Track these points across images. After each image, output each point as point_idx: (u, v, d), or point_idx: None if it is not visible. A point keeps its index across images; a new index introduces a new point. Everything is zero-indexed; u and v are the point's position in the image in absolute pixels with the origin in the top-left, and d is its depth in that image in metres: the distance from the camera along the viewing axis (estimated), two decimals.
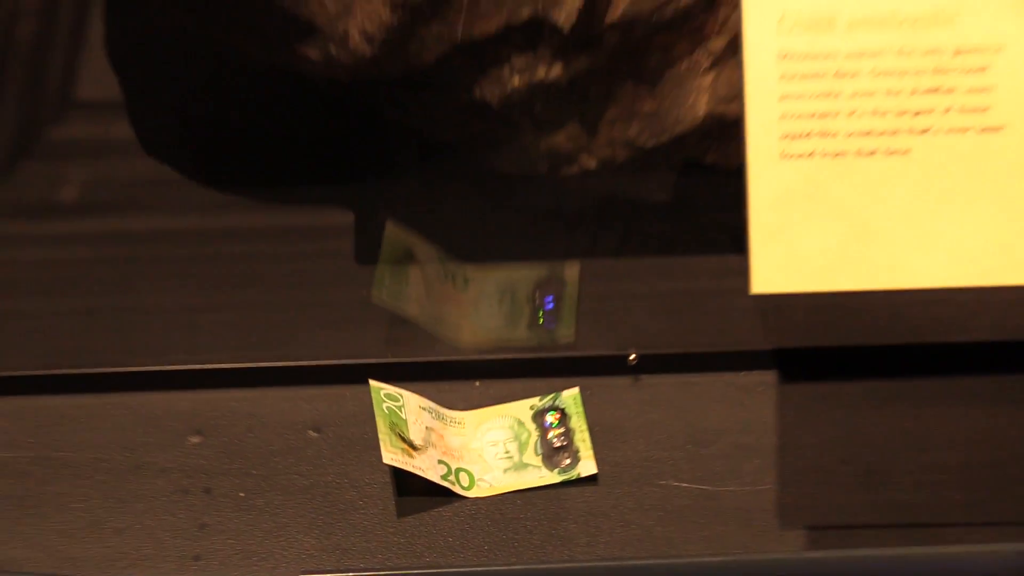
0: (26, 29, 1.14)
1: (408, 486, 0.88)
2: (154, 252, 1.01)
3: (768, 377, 0.96)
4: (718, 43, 0.91)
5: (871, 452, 0.92)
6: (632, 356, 0.95)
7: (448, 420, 0.91)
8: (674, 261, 0.99)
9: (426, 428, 0.90)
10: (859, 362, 0.97)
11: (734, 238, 0.81)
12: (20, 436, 0.92)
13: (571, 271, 0.99)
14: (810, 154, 0.81)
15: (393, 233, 1.00)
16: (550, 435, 0.91)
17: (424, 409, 0.91)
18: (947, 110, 0.80)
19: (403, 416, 0.89)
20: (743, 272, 0.81)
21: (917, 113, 0.80)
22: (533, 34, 0.91)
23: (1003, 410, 0.94)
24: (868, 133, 0.81)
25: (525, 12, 0.89)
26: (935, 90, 0.80)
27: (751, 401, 0.94)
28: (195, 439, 0.92)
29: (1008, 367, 0.96)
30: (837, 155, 0.81)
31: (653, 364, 0.95)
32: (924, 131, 0.80)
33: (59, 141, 1.07)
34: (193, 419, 0.93)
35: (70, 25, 1.14)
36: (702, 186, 0.95)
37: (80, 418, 0.93)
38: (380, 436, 0.88)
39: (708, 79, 0.93)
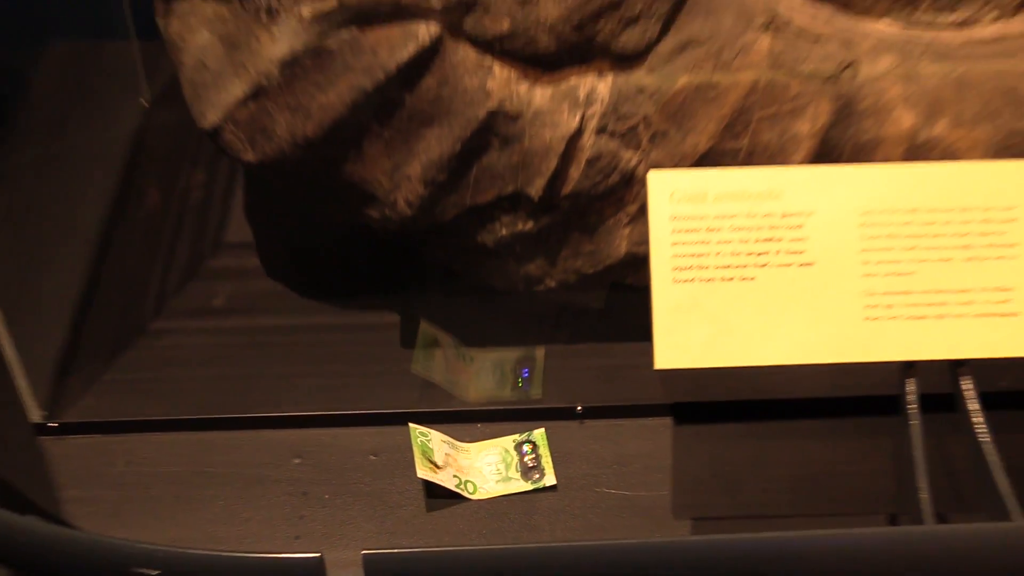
0: (196, 196, 1.14)
1: (434, 491, 0.88)
2: (271, 338, 1.00)
3: (667, 421, 0.94)
4: (633, 208, 0.90)
5: (735, 470, 0.91)
6: (579, 407, 0.94)
7: (459, 449, 0.91)
8: (606, 346, 0.98)
9: (445, 454, 0.90)
10: (727, 411, 0.95)
11: (645, 333, 0.79)
12: (184, 457, 0.91)
13: (539, 352, 0.98)
14: (691, 279, 0.80)
15: (425, 327, 0.99)
16: (525, 459, 0.91)
17: (444, 441, 0.91)
18: (778, 252, 0.80)
19: (431, 446, 0.89)
20: (650, 354, 0.80)
21: (760, 254, 0.79)
22: (515, 202, 0.90)
23: (823, 443, 0.92)
24: (728, 266, 0.80)
25: (509, 188, 0.89)
26: (770, 239, 0.79)
27: (656, 437, 0.93)
28: (297, 460, 0.91)
29: (827, 414, 0.94)
30: (709, 280, 0.80)
31: (592, 413, 0.94)
32: (764, 265, 0.79)
33: (214, 268, 1.06)
34: (295, 447, 0.92)
35: (222, 191, 1.14)
36: (624, 299, 0.92)
37: (222, 446, 0.92)
38: (416, 459, 0.88)
39: (627, 231, 0.91)
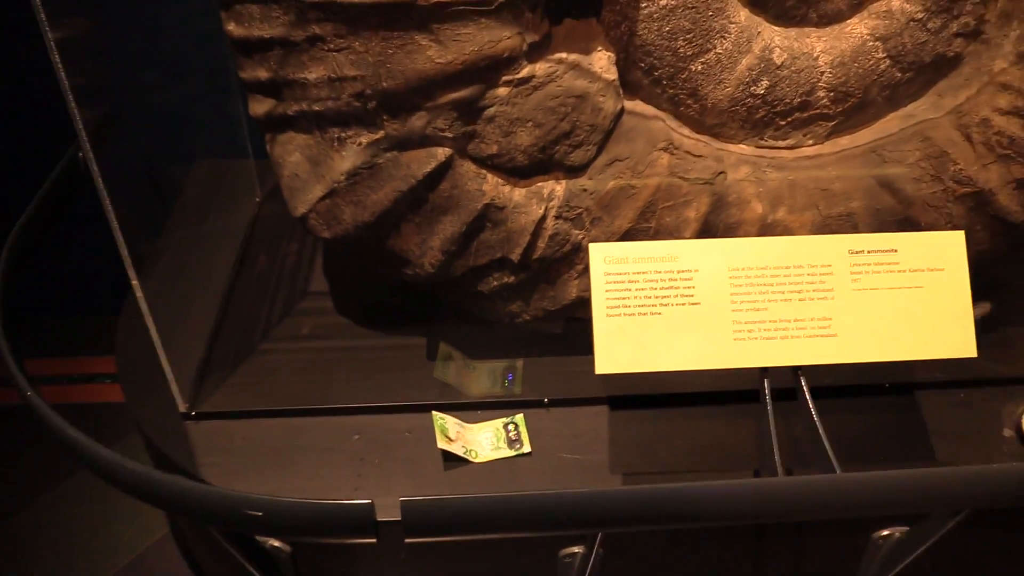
0: (291, 260, 1.09)
1: (449, 457, 0.84)
2: (341, 355, 0.96)
3: (604, 408, 0.90)
4: (580, 267, 0.85)
5: (651, 441, 0.87)
6: (546, 399, 0.90)
7: (466, 428, 0.86)
8: (564, 358, 0.93)
9: (456, 432, 0.85)
10: (646, 401, 0.91)
11: (589, 349, 0.76)
12: (280, 435, 0.87)
13: (519, 362, 0.94)
14: (619, 315, 0.75)
15: (443, 346, 0.95)
16: (510, 434, 0.86)
17: (456, 423, 0.87)
18: (675, 296, 0.75)
19: (447, 426, 0.85)
20: (593, 364, 0.75)
21: (663, 297, 0.75)
22: (502, 264, 0.85)
23: (711, 422, 0.88)
24: (642, 306, 0.75)
25: (498, 255, 0.83)
26: (670, 288, 0.75)
27: (598, 419, 0.89)
28: (356, 437, 0.87)
29: (713, 403, 0.90)
30: (630, 315, 0.75)
31: (555, 403, 0.90)
32: (666, 305, 0.74)
33: (302, 308, 1.02)
34: (356, 428, 0.87)
35: (308, 257, 1.10)
36: (577, 328, 0.87)
37: (306, 428, 0.87)
38: (437, 435, 0.84)
39: (576, 282, 0.86)
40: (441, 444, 0.83)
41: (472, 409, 0.89)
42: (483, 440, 0.86)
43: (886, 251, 0.75)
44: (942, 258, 0.74)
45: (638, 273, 0.75)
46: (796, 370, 0.75)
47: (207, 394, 0.90)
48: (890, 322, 0.74)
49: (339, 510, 0.64)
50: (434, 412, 0.86)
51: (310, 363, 0.94)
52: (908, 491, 0.66)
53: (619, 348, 0.74)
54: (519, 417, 0.88)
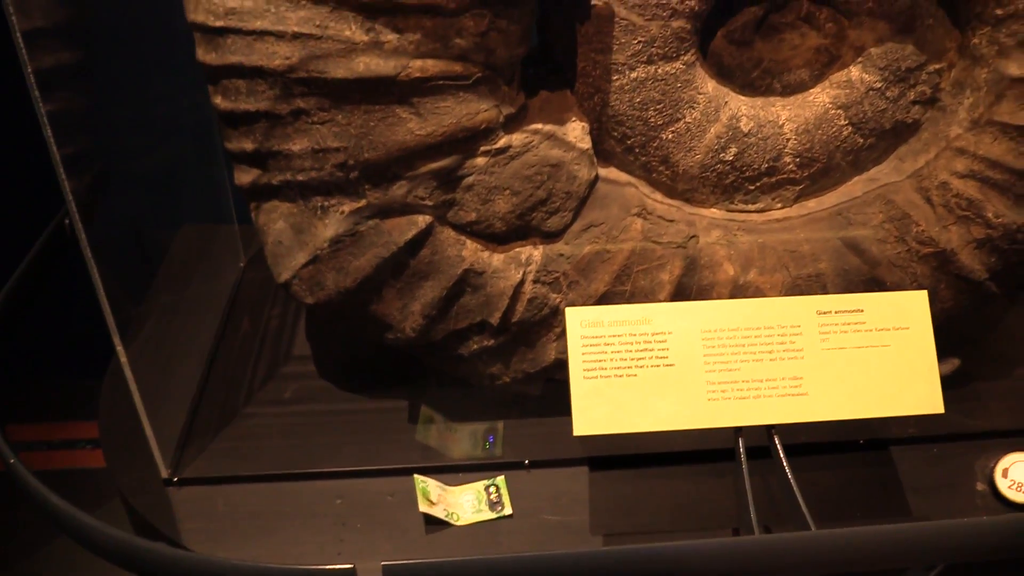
0: (274, 325, 1.10)
1: (431, 520, 0.84)
2: (324, 419, 0.96)
3: (584, 469, 0.90)
4: (558, 330, 0.86)
5: (631, 501, 0.87)
6: (526, 461, 0.90)
7: (448, 491, 0.87)
8: (543, 419, 0.94)
9: (438, 494, 0.86)
10: (625, 461, 0.91)
11: (567, 410, 0.77)
12: (263, 500, 0.87)
13: (500, 424, 0.94)
14: (595, 377, 0.76)
15: (424, 409, 0.96)
16: (491, 496, 0.87)
17: (437, 486, 0.87)
18: (650, 358, 0.76)
19: (428, 490, 0.85)
20: (571, 425, 0.76)
21: (638, 359, 0.76)
22: (481, 327, 0.86)
23: (688, 482, 0.89)
24: (619, 368, 0.76)
25: (478, 318, 0.85)
26: (644, 350, 0.76)
27: (578, 480, 0.89)
28: (339, 501, 0.87)
29: (690, 462, 0.90)
30: (607, 377, 0.76)
31: (536, 464, 0.90)
32: (641, 367, 0.76)
33: (285, 372, 1.02)
34: (338, 492, 0.88)
35: (291, 322, 1.10)
36: (556, 389, 0.87)
37: (289, 492, 0.88)
38: (418, 499, 0.84)
39: (555, 344, 0.87)
40: (423, 507, 0.83)
41: (454, 472, 0.90)
42: (464, 503, 0.86)
43: (853, 311, 0.77)
44: (907, 317, 0.77)
45: (613, 336, 0.76)
46: (770, 429, 0.77)
47: (189, 459, 0.90)
48: (858, 380, 0.76)
49: None
50: (416, 475, 0.86)
51: (293, 427, 0.94)
52: (882, 546, 0.67)
53: (596, 410, 0.75)
54: (500, 479, 0.88)
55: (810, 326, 0.77)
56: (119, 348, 0.81)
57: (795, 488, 0.72)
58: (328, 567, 0.65)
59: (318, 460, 0.90)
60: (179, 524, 0.84)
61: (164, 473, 0.88)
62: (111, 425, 0.94)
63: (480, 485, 0.88)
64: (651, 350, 0.76)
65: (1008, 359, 1.04)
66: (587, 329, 0.76)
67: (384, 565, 0.63)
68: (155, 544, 0.69)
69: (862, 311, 0.77)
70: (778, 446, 0.76)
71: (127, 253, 1.20)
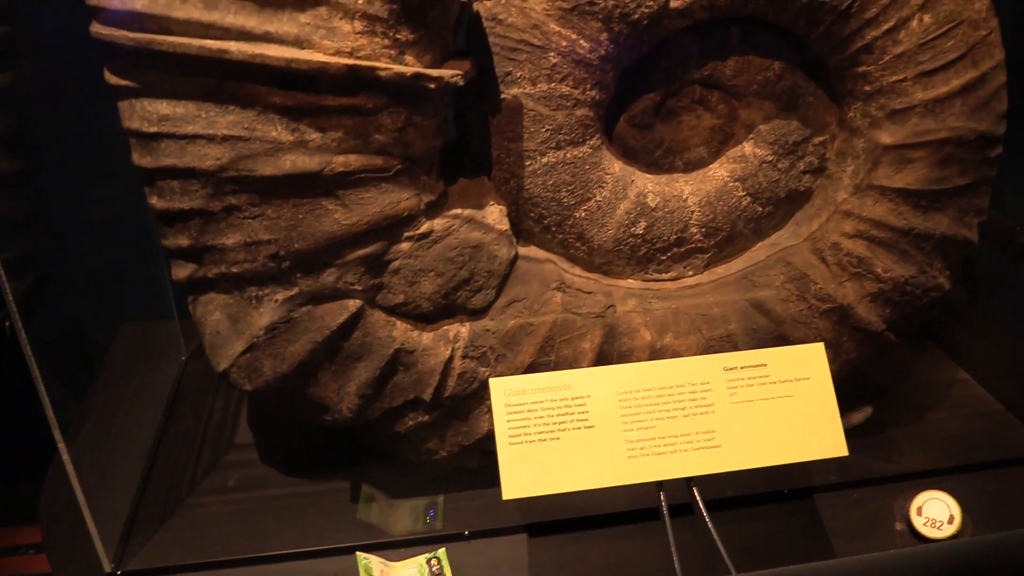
0: (216, 415, 1.11)
1: None
2: (267, 504, 0.97)
3: (523, 536, 0.93)
4: (489, 402, 0.86)
5: (569, 562, 0.89)
6: (466, 532, 0.92)
7: (390, 566, 0.88)
8: (482, 492, 0.96)
9: (381, 570, 0.87)
10: (560, 526, 0.93)
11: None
12: None
13: (440, 500, 0.96)
14: (520, 442, 0.79)
15: (365, 488, 0.97)
16: (433, 569, 0.88)
17: (380, 562, 0.88)
18: (572, 420, 0.79)
19: (371, 566, 0.87)
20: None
21: (560, 423, 0.79)
22: (415, 404, 0.89)
23: (620, 540, 0.92)
24: (542, 432, 0.79)
25: (411, 395, 0.88)
26: (565, 414, 0.79)
27: (518, 546, 0.92)
28: None
29: (620, 523, 0.93)
30: (531, 442, 0.79)
31: (476, 535, 0.92)
32: (563, 430, 0.79)
33: (228, 461, 1.04)
34: (282, 573, 0.89)
35: (233, 412, 1.12)
36: (492, 461, 0.85)
37: None
38: (361, 573, 0.85)
39: (487, 416, 0.90)
40: None
41: (396, 547, 0.91)
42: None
43: (757, 366, 0.83)
44: (807, 368, 0.83)
45: (536, 403, 0.80)
46: (688, 481, 0.81)
47: (133, 552, 0.90)
48: (767, 430, 0.81)
49: None
50: (358, 553, 0.88)
51: (236, 514, 0.95)
52: None
53: (523, 473, 0.78)
54: (441, 551, 0.90)
55: (719, 382, 0.82)
56: (60, 444, 0.83)
57: (715, 535, 0.76)
58: None
59: (262, 544, 0.91)
60: None
61: (107, 567, 0.88)
62: (54, 525, 0.95)
63: (422, 558, 0.89)
64: (572, 414, 0.80)
65: (919, 406, 1.11)
66: (510, 398, 0.80)
67: None
68: None
69: (765, 365, 0.83)
70: (697, 498, 0.80)
71: (68, 352, 1.23)
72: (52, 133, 1.07)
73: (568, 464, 0.79)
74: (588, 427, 0.80)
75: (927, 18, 0.85)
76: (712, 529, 0.76)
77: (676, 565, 0.75)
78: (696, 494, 0.79)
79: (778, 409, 0.82)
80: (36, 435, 1.16)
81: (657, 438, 0.81)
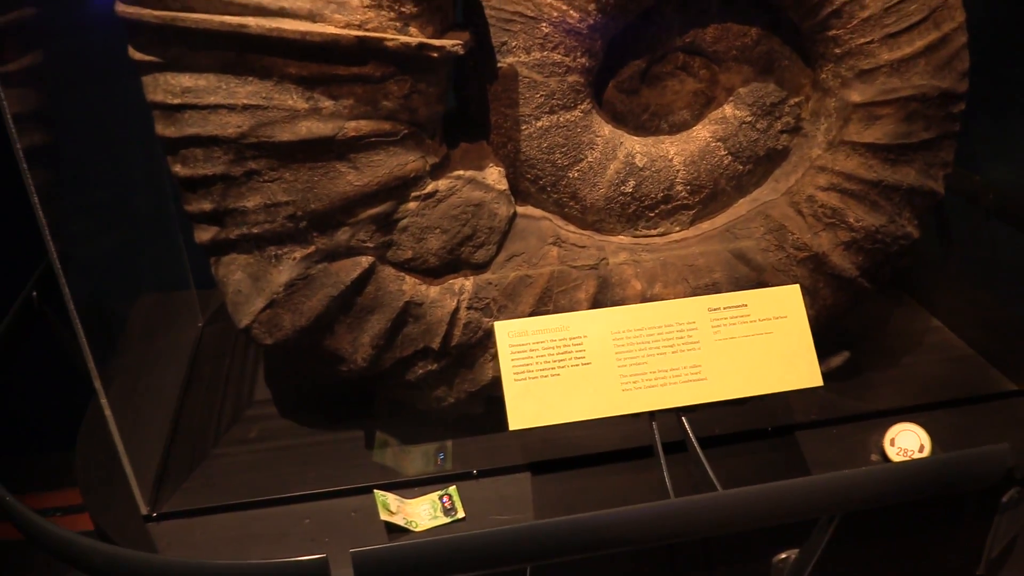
0: (235, 374, 1.17)
1: (392, 529, 0.91)
2: (286, 452, 1.03)
3: (527, 474, 0.98)
4: (493, 350, 0.94)
5: (568, 497, 0.94)
6: (475, 471, 0.98)
7: (406, 502, 0.94)
8: (488, 436, 1.02)
9: (398, 506, 0.93)
10: (561, 464, 0.99)
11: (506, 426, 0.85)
12: (235, 527, 0.93)
13: (448, 444, 1.02)
14: (524, 379, 0.85)
15: (380, 435, 1.04)
16: (445, 504, 0.94)
17: (396, 499, 0.94)
18: (571, 358, 0.85)
19: (388, 503, 0.93)
20: (512, 435, 0.84)
21: (560, 360, 0.86)
22: (425, 353, 0.95)
23: (618, 477, 0.96)
24: (543, 369, 0.84)
25: (421, 345, 0.94)
26: (564, 353, 0.85)
27: (521, 484, 0.97)
28: (307, 520, 0.93)
29: (617, 460, 0.98)
30: (534, 378, 0.85)
31: (483, 474, 0.98)
32: (563, 366, 0.85)
33: (249, 415, 1.10)
34: (306, 513, 0.94)
35: (251, 370, 1.18)
36: (496, 408, 0.93)
37: (260, 517, 0.94)
38: (379, 511, 0.91)
39: (491, 363, 0.96)
40: (384, 516, 0.91)
41: (410, 486, 0.98)
42: (422, 511, 0.94)
43: (738, 306, 0.90)
44: (784, 308, 0.90)
45: (537, 343, 0.87)
46: (678, 412, 0.88)
47: (165, 498, 0.97)
48: (748, 364, 0.88)
49: (296, 567, 0.72)
50: (375, 490, 0.94)
51: (260, 462, 1.02)
52: (781, 500, 0.79)
53: (527, 407, 0.85)
54: (452, 488, 0.97)
55: (703, 322, 0.89)
56: (99, 387, 0.88)
57: (700, 455, 0.83)
58: (302, 558, 0.72)
59: (285, 487, 0.97)
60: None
61: (144, 510, 0.94)
62: (89, 478, 1.01)
63: (435, 495, 0.96)
64: (570, 352, 0.87)
65: (894, 351, 1.18)
66: (514, 339, 0.86)
67: (353, 552, 0.71)
68: (139, 553, 0.76)
69: (746, 305, 0.90)
70: (685, 424, 0.87)
71: (89, 322, 1.29)
72: (70, 111, 1.13)
73: (568, 397, 0.86)
74: (585, 364, 0.87)
75: None
76: (699, 450, 0.83)
77: (668, 485, 0.82)
78: (685, 423, 0.87)
79: (758, 345, 0.89)
80: (59, 403, 1.23)
81: (648, 373, 0.87)
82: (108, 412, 0.89)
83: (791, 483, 0.79)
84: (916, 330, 1.23)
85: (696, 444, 0.85)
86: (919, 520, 1.00)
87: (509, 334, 0.87)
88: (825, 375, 0.99)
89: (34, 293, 1.13)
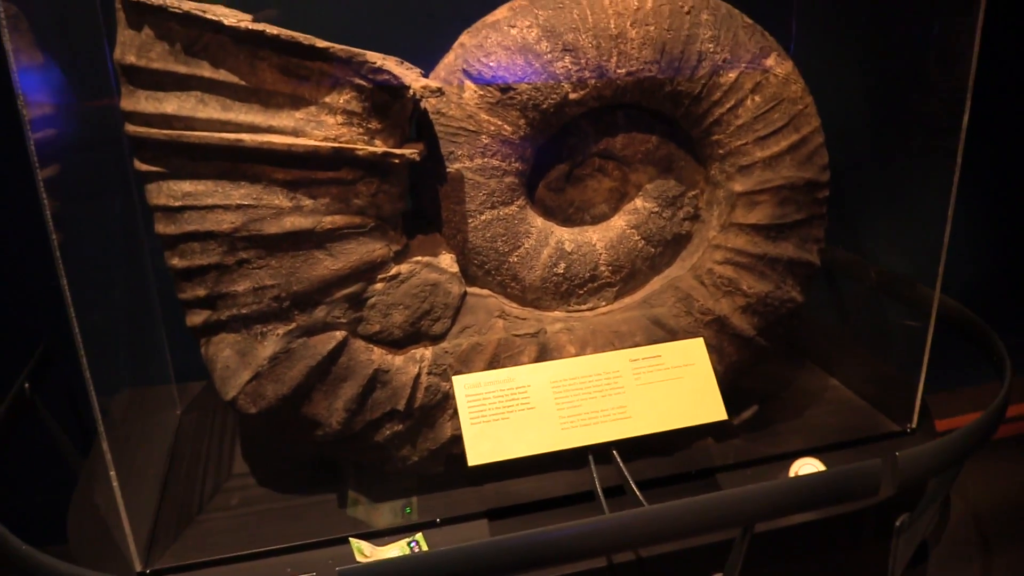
0: (214, 453, 1.25)
1: None
2: (267, 516, 1.11)
3: (484, 521, 1.07)
4: (451, 411, 1.05)
5: None
6: (438, 519, 1.07)
7: (377, 550, 1.02)
8: (446, 492, 1.11)
9: (371, 550, 1.02)
10: (513, 511, 1.07)
11: (467, 481, 0.97)
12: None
13: (414, 499, 1.11)
14: (479, 423, 0.97)
15: (352, 494, 1.12)
16: (414, 549, 1.03)
17: (369, 545, 1.02)
18: (517, 403, 0.99)
19: (362, 547, 1.02)
20: (471, 492, 0.97)
21: (508, 406, 0.99)
22: (392, 415, 1.05)
23: (567, 520, 1.11)
24: (495, 414, 0.97)
25: (388, 408, 1.05)
26: (512, 399, 0.99)
27: (480, 529, 1.06)
28: (289, 569, 1.01)
29: (570, 503, 1.12)
30: (487, 421, 0.97)
31: (445, 521, 1.07)
32: (512, 411, 0.98)
33: (229, 486, 1.17)
34: (288, 563, 1.02)
35: (228, 449, 1.26)
36: (450, 464, 1.00)
37: (245, 570, 1.01)
38: (355, 554, 1.01)
39: (450, 423, 1.07)
40: (359, 559, 1.00)
41: (381, 536, 1.07)
42: (392, 556, 1.03)
43: (654, 357, 1.07)
44: (691, 357, 1.08)
45: (489, 392, 1.00)
46: (610, 445, 1.02)
47: (157, 556, 1.05)
48: (665, 403, 1.04)
49: None
50: (351, 538, 1.04)
51: (242, 524, 1.10)
52: (699, 513, 0.93)
53: (483, 445, 0.97)
54: (419, 535, 1.05)
55: (626, 371, 1.05)
56: (106, 448, 0.99)
57: (628, 477, 0.95)
58: None
59: (267, 543, 1.05)
60: None
61: (138, 567, 1.02)
62: (82, 542, 1.09)
63: (403, 541, 1.05)
64: (517, 399, 0.99)
65: (797, 405, 1.36)
66: (470, 390, 1.00)
67: (338, 569, 0.80)
68: None
69: (660, 356, 1.07)
70: (616, 457, 1.01)
71: (73, 413, 1.38)
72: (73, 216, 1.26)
73: (516, 436, 0.97)
74: (530, 408, 0.99)
75: (757, 98, 1.16)
76: (628, 476, 0.98)
77: (603, 504, 0.96)
78: (615, 454, 1.02)
79: (672, 388, 1.04)
80: (44, 494, 1.29)
81: (583, 413, 1.00)
82: (112, 473, 1.00)
83: (705, 497, 0.94)
84: (816, 388, 1.42)
85: (625, 471, 1.00)
86: (826, 544, 1.15)
87: (465, 386, 1.01)
88: (738, 426, 1.18)
89: (26, 385, 1.25)
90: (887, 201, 1.50)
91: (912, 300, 1.31)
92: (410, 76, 1.01)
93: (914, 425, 1.26)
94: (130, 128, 1.02)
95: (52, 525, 1.16)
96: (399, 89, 0.98)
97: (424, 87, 1.00)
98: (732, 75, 1.12)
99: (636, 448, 1.10)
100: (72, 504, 1.17)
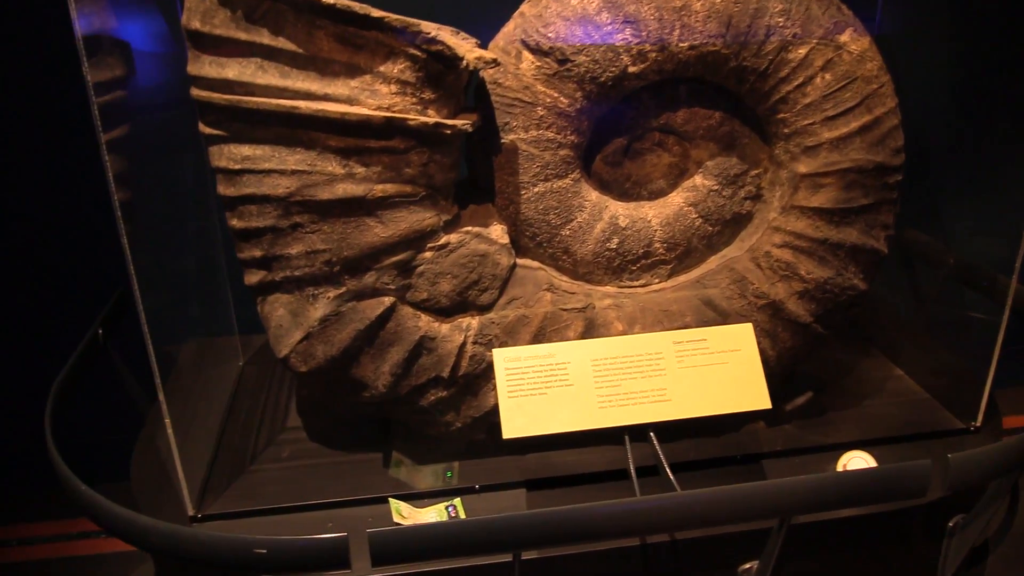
0: (270, 405, 1.30)
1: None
2: (314, 469, 1.14)
3: (522, 491, 1.09)
4: (495, 380, 1.04)
5: (552, 505, 1.04)
6: (476, 486, 1.09)
7: (416, 510, 1.05)
8: (488, 460, 1.12)
9: (408, 512, 1.04)
10: (552, 483, 1.07)
11: (505, 450, 0.97)
12: (269, 528, 1.04)
13: (455, 464, 1.14)
14: (516, 396, 0.97)
15: (396, 455, 1.15)
16: (451, 514, 1.05)
17: (407, 506, 1.05)
18: (556, 380, 0.98)
19: (400, 507, 1.04)
20: (510, 460, 0.97)
21: (547, 382, 0.98)
22: (436, 382, 1.06)
23: (607, 494, 1.02)
24: (532, 389, 0.97)
25: (433, 374, 1.05)
26: (551, 375, 0.98)
27: (518, 498, 1.07)
28: (330, 524, 1.05)
29: (608, 479, 1.11)
30: (525, 396, 0.96)
31: (484, 488, 1.09)
32: (549, 387, 0.98)
33: (282, 439, 1.20)
34: (329, 519, 1.05)
35: (285, 402, 1.31)
36: (492, 431, 1.00)
37: (289, 522, 1.05)
38: (393, 514, 1.03)
39: (493, 392, 1.06)
40: (396, 519, 1.03)
41: (421, 497, 1.06)
42: (430, 518, 1.05)
43: (699, 340, 1.05)
44: (738, 342, 1.06)
45: (528, 367, 0.99)
46: (647, 428, 1.01)
47: (209, 503, 1.10)
48: (707, 388, 1.02)
49: (319, 543, 0.83)
50: (390, 498, 1.06)
51: (290, 476, 1.15)
52: (735, 502, 0.90)
53: (518, 419, 0.97)
54: (457, 500, 1.05)
55: (669, 353, 1.04)
56: (162, 399, 1.04)
57: (663, 461, 0.95)
58: (324, 536, 0.82)
59: (311, 496, 1.09)
60: None
61: (190, 511, 1.08)
62: (141, 487, 1.16)
63: (442, 505, 1.05)
64: (555, 375, 0.98)
65: (856, 394, 1.32)
66: (509, 363, 0.98)
67: (369, 531, 0.81)
68: (181, 527, 0.87)
69: (706, 340, 1.05)
70: (654, 439, 1.01)
71: (141, 363, 1.46)
72: (144, 176, 1.33)
73: (552, 413, 0.96)
74: (568, 385, 0.98)
75: (828, 76, 1.11)
76: (663, 460, 0.98)
77: (634, 482, 0.97)
78: (653, 436, 1.01)
79: (716, 373, 1.03)
80: (109, 436, 1.38)
81: (621, 394, 0.98)
82: (168, 423, 1.06)
83: (738, 487, 0.93)
84: (878, 377, 1.37)
85: (660, 454, 1.00)
86: (872, 540, 1.12)
87: (505, 359, 1.00)
88: (790, 412, 1.16)
89: (99, 331, 1.32)
90: (972, 186, 1.43)
91: (991, 291, 1.26)
92: (465, 47, 1.01)
93: (979, 423, 1.20)
94: (195, 92, 1.05)
95: (119, 464, 1.24)
96: (453, 59, 0.99)
97: (478, 58, 1.00)
98: (802, 51, 1.08)
99: (682, 428, 1.10)
100: (136, 446, 1.24)
